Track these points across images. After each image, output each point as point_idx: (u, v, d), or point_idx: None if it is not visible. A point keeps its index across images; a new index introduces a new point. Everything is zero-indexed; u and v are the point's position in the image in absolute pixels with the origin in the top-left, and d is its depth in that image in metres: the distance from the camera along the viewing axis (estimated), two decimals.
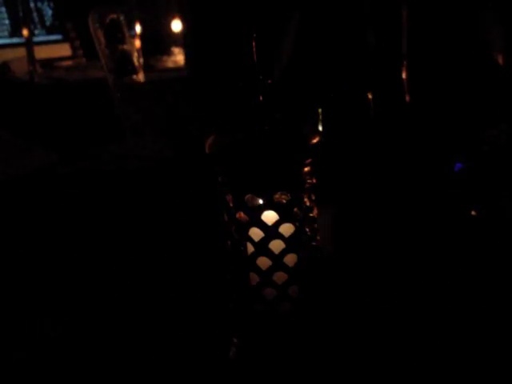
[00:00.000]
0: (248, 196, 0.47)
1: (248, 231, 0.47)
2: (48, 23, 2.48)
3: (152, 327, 0.62)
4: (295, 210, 0.48)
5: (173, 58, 2.08)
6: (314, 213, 0.50)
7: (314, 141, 0.48)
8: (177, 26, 1.98)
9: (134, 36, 1.75)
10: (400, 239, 0.71)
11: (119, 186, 1.03)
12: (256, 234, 0.47)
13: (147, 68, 1.75)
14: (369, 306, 0.62)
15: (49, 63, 2.13)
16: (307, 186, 0.49)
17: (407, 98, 0.80)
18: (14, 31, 2.33)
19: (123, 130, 1.25)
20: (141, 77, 1.40)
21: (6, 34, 2.35)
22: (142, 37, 1.85)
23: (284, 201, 0.48)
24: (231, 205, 0.48)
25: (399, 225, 0.72)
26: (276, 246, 0.47)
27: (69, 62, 2.23)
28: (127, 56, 1.36)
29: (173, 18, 1.98)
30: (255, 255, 0.47)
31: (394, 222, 0.69)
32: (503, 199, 0.64)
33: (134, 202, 0.95)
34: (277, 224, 0.47)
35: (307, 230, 0.49)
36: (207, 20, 1.27)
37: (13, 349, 0.60)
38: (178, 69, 1.90)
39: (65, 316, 0.66)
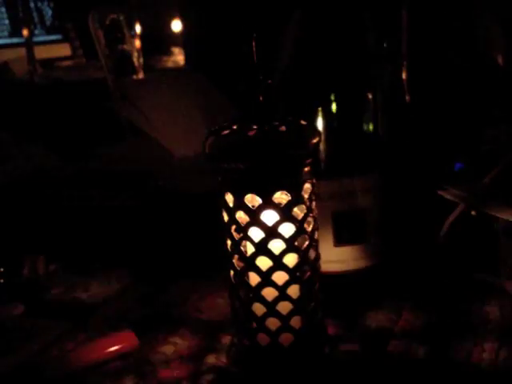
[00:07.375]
0: (248, 196, 0.47)
1: (248, 231, 0.47)
2: (48, 23, 2.48)
3: (151, 327, 0.62)
4: (295, 210, 0.48)
5: (173, 58, 2.08)
6: (314, 213, 0.50)
7: (314, 141, 0.48)
8: (177, 25, 1.97)
9: (134, 36, 1.75)
10: (400, 239, 0.71)
11: (118, 186, 1.03)
12: (256, 233, 0.47)
13: (147, 68, 1.75)
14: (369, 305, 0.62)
15: (49, 63, 2.12)
16: (307, 185, 0.49)
17: (407, 98, 0.80)
18: (14, 31, 2.33)
19: (123, 130, 1.25)
20: (141, 77, 1.40)
21: (5, 34, 2.35)
22: (142, 37, 1.85)
23: (284, 201, 0.48)
24: (231, 205, 0.48)
25: (399, 224, 0.72)
26: (276, 246, 0.47)
27: (69, 62, 2.23)
28: (127, 56, 1.36)
29: (173, 18, 1.98)
30: (255, 255, 0.48)
31: (394, 222, 0.69)
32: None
33: (133, 202, 0.95)
34: (277, 224, 0.47)
35: (307, 229, 0.49)
36: (207, 20, 1.27)
37: None
38: (178, 69, 1.90)
39: None
